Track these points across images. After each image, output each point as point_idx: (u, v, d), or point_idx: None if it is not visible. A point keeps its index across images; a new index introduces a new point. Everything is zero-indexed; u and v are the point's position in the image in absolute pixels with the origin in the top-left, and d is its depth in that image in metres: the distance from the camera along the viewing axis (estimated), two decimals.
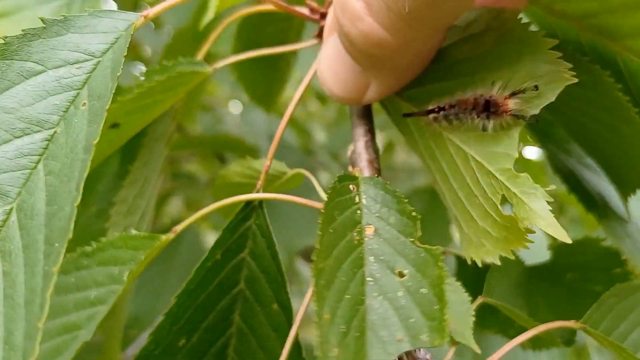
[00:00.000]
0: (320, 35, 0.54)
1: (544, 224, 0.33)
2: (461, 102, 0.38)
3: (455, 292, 0.41)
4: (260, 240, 0.47)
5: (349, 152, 0.49)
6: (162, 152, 0.60)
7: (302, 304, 0.47)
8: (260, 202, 0.47)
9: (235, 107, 2.02)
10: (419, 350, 0.41)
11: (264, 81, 0.78)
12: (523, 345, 0.51)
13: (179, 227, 0.49)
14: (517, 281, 0.56)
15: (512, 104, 0.36)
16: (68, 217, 0.32)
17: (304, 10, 0.53)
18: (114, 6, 1.53)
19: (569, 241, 0.34)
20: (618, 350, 0.41)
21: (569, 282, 0.56)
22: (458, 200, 0.42)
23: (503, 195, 0.37)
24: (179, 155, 1.69)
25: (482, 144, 0.39)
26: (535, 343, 0.53)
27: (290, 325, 0.47)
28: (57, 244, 0.31)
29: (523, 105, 0.36)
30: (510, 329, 0.53)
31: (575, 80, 0.36)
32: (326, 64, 0.46)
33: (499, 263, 0.38)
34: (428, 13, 0.34)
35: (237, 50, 0.74)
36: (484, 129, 0.38)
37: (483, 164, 0.38)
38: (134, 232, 0.51)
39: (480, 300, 0.45)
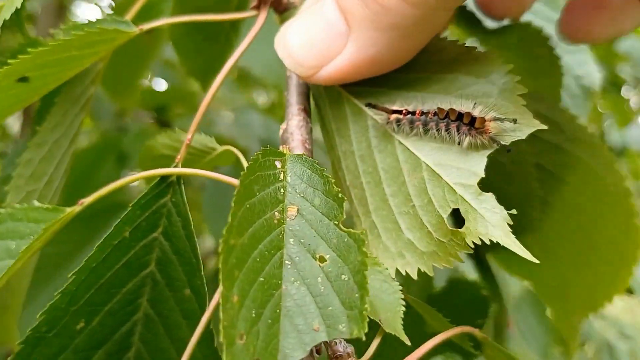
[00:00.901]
0: (257, 6, 0.50)
1: (507, 242, 0.34)
2: (441, 111, 0.39)
3: (386, 281, 0.38)
4: (176, 219, 0.43)
5: (280, 131, 0.46)
6: (79, 116, 0.55)
7: (218, 290, 0.43)
8: (179, 177, 0.43)
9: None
10: (340, 342, 0.38)
11: (202, 55, 0.75)
12: None
13: (87, 200, 0.45)
14: (419, 296, 0.55)
15: (493, 127, 0.37)
16: None
17: None
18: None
19: (535, 260, 0.33)
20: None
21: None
22: (384, 207, 0.41)
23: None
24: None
25: (444, 157, 0.39)
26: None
27: (203, 312, 0.43)
28: None
29: (499, 133, 0.37)
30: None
31: (545, 127, 0.37)
32: (298, 29, 0.43)
33: (415, 277, 0.38)
34: None
35: None
36: (459, 143, 0.38)
37: (440, 176, 0.38)
38: (36, 203, 0.46)
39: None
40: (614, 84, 1.91)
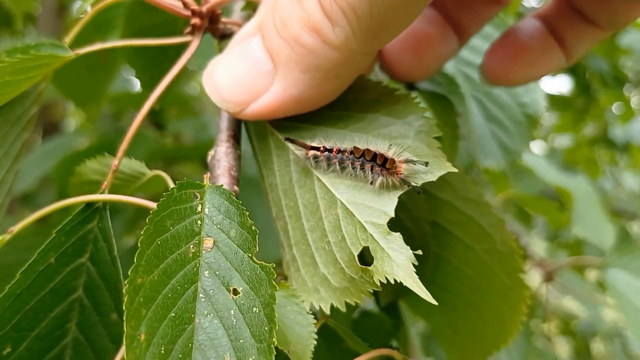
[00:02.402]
0: (192, 32, 0.51)
1: (409, 282, 0.35)
2: (356, 150, 0.40)
3: (300, 313, 0.39)
4: (102, 245, 0.44)
5: (208, 157, 0.47)
6: (20, 136, 0.55)
7: None
8: (105, 204, 0.44)
9: None
10: None
11: (153, 69, 0.75)
12: None
13: (16, 228, 0.45)
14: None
15: (404, 169, 0.38)
16: None
17: (177, 4, 0.50)
18: None
19: (433, 301, 0.34)
20: None
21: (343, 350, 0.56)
22: (303, 241, 0.42)
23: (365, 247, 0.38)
24: (170, 160, 1.67)
25: (358, 195, 0.39)
26: None
27: None
28: None
29: (411, 174, 0.38)
30: None
31: (456, 170, 0.38)
32: (226, 66, 0.43)
33: (328, 312, 0.39)
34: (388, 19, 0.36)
35: (126, 37, 0.70)
36: (372, 182, 0.39)
37: (353, 214, 0.39)
38: None
39: (322, 320, 0.44)
40: (616, 78, 1.89)
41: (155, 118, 1.59)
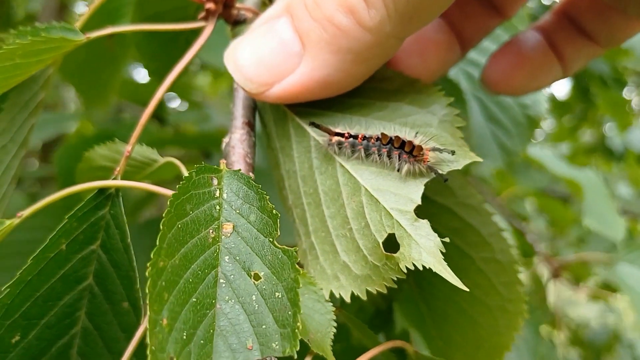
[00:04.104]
0: (206, 17, 0.50)
1: (439, 268, 0.34)
2: (384, 137, 0.39)
3: (319, 301, 0.39)
4: (114, 232, 0.43)
5: (223, 144, 0.46)
6: (27, 122, 0.54)
7: None
8: (117, 190, 0.43)
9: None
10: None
11: (163, 57, 0.74)
12: None
13: (25, 213, 0.44)
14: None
15: (431, 156, 0.38)
16: None
17: None
18: None
19: (462, 286, 0.34)
20: None
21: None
22: (323, 228, 0.41)
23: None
24: (167, 151, 1.67)
25: (383, 182, 0.39)
26: None
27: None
28: None
29: (437, 162, 0.38)
30: None
31: (481, 160, 0.38)
32: (250, 46, 0.43)
33: (349, 300, 0.38)
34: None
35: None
36: (398, 169, 0.39)
37: (378, 200, 0.38)
38: None
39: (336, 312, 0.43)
40: (617, 80, 1.88)
41: (156, 111, 1.59)
